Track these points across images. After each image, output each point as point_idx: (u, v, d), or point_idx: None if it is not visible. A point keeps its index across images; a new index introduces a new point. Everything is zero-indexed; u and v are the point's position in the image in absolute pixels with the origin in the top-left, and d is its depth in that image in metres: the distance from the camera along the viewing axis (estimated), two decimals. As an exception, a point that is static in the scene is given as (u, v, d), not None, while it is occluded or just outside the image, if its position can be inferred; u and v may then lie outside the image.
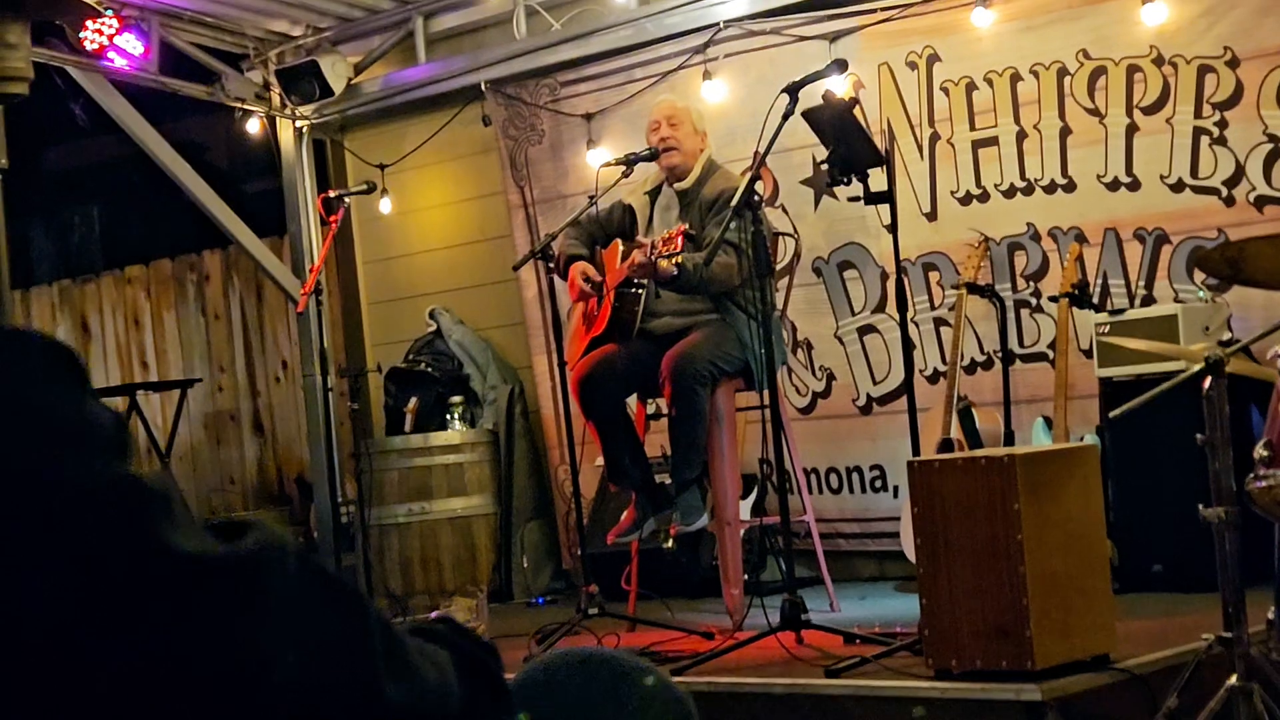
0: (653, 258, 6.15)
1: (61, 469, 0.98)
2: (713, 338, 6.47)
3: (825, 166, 6.14)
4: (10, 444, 0.97)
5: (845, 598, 7.04)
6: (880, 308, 7.83)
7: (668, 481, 6.72)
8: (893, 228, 5.89)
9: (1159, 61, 7.02)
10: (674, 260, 6.11)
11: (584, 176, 8.40)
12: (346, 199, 7.92)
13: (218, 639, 0.99)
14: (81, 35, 7.94)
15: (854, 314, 7.95)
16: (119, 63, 8.22)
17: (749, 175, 5.94)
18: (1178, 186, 6.99)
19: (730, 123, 7.83)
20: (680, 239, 6.08)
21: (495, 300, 9.34)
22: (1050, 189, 7.33)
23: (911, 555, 5.27)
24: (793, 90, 5.83)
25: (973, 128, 7.56)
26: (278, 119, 9.61)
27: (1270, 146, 6.76)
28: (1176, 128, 6.98)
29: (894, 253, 5.96)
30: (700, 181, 6.69)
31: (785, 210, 8.04)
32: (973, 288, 7.26)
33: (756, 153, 5.89)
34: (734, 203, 5.85)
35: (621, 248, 6.69)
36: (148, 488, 1.01)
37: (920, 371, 7.56)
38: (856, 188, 5.96)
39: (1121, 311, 6.86)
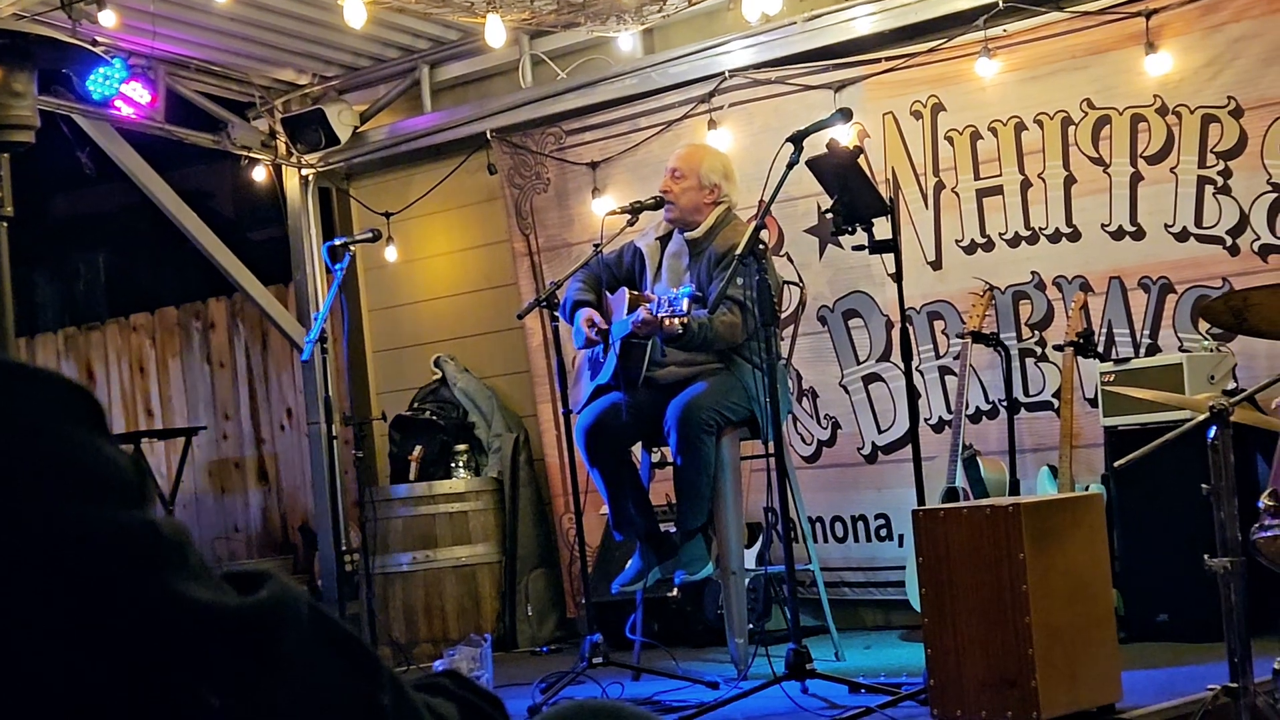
0: (659, 316, 6.13)
1: (76, 513, 0.97)
2: (718, 387, 6.46)
3: (830, 215, 6.14)
4: (23, 486, 0.96)
5: (850, 647, 7.01)
6: (885, 356, 7.83)
7: (672, 530, 6.72)
8: (897, 276, 5.89)
9: (1163, 111, 7.04)
10: (679, 319, 6.09)
11: (589, 225, 8.41)
12: (352, 247, 7.91)
13: (230, 691, 0.99)
14: (88, 84, 7.95)
15: (859, 363, 7.95)
16: (126, 111, 8.24)
17: (753, 224, 5.94)
18: (1182, 235, 7.00)
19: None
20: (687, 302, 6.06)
21: (500, 348, 9.35)
22: (1055, 238, 7.34)
23: (917, 604, 5.26)
24: (797, 139, 5.84)
25: (977, 177, 7.57)
26: (284, 167, 9.63)
27: (1274, 196, 6.76)
28: (1181, 177, 7.00)
29: (899, 301, 5.96)
30: (711, 233, 6.68)
31: (790, 259, 8.05)
32: (978, 336, 7.27)
33: (761, 201, 5.90)
34: (739, 252, 5.84)
35: (628, 297, 6.67)
36: (164, 535, 1.01)
37: (925, 420, 7.55)
38: (861, 236, 5.96)
39: (1126, 360, 6.86)
